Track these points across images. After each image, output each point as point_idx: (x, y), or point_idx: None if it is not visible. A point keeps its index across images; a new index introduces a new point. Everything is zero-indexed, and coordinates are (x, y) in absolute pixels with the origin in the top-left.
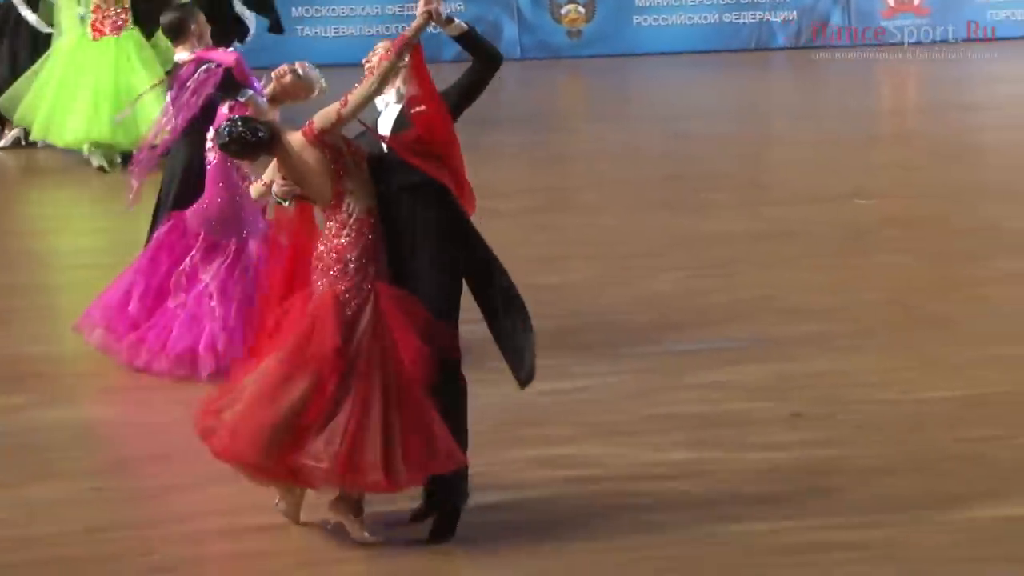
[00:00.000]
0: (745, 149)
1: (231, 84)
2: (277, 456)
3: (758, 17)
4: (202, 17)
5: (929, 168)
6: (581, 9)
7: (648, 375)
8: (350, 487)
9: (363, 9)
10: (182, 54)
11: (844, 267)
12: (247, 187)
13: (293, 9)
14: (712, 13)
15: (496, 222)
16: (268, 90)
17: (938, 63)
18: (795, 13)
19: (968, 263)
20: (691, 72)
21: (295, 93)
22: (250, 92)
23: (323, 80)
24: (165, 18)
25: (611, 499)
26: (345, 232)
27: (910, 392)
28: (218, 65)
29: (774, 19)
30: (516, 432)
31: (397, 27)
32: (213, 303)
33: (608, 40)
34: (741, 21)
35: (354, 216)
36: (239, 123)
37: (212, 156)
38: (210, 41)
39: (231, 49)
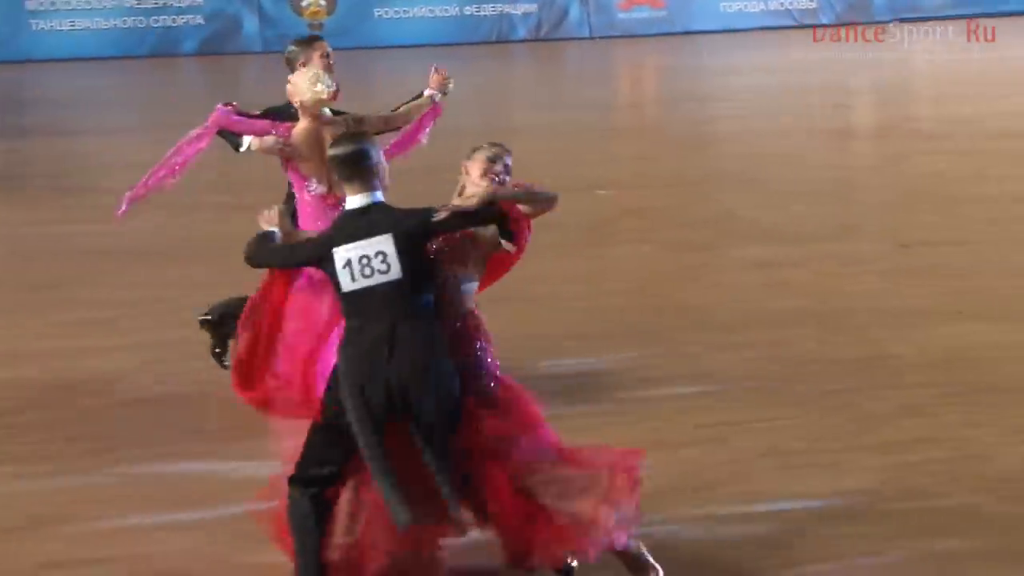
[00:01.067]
0: (488, 140)
1: (226, 135)
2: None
3: (499, 10)
4: (315, 53)
5: (666, 159)
6: (322, 2)
7: None
8: None
9: (100, 2)
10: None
11: (588, 257)
12: None
13: (27, 1)
14: (453, 6)
15: (240, 216)
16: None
17: (674, 55)
18: (536, 6)
19: (705, 252)
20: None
21: (299, 102)
22: (247, 139)
23: (325, 81)
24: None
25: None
26: None
27: (653, 381)
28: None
29: (514, 12)
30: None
31: (135, 20)
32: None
33: (350, 33)
34: (482, 14)
35: None
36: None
37: (313, 190)
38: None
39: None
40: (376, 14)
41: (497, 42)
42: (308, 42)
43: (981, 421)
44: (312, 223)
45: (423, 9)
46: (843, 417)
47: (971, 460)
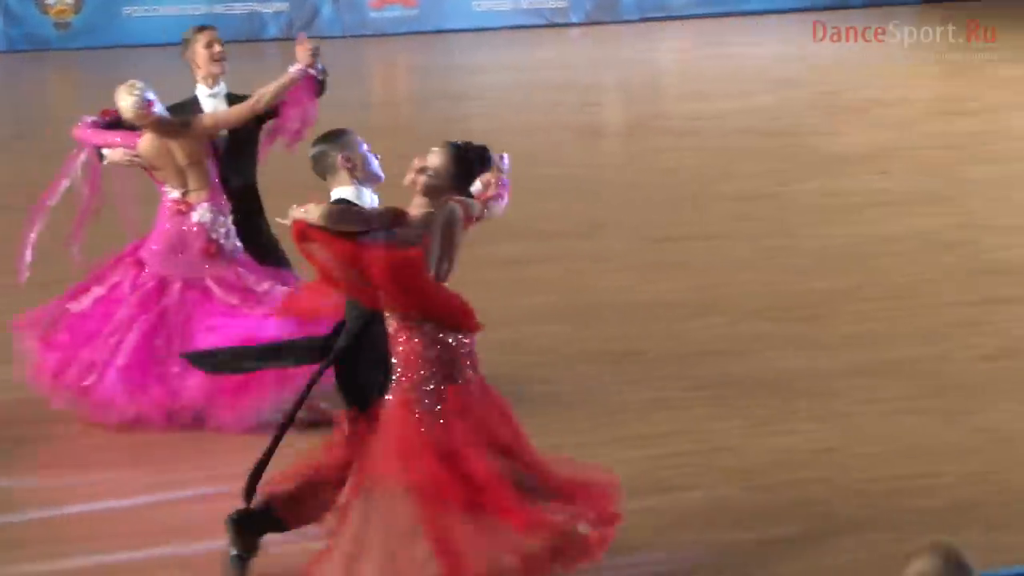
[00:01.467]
0: None
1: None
2: None
3: (249, 8)
4: (198, 44)
5: None
6: (69, 0)
7: None
8: None
9: None
10: None
11: None
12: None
13: None
14: (202, 4)
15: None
16: None
17: (426, 54)
18: (287, 4)
19: (471, 248)
20: (184, 64)
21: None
22: (105, 152)
23: (131, 97)
24: None
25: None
26: None
27: None
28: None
29: (265, 10)
30: None
31: None
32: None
33: (98, 31)
34: (232, 12)
35: None
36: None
37: (169, 195)
38: None
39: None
40: (125, 12)
41: (247, 41)
42: (194, 31)
43: (728, 414)
44: (161, 227)
45: (173, 8)
46: (594, 411)
47: (719, 452)
